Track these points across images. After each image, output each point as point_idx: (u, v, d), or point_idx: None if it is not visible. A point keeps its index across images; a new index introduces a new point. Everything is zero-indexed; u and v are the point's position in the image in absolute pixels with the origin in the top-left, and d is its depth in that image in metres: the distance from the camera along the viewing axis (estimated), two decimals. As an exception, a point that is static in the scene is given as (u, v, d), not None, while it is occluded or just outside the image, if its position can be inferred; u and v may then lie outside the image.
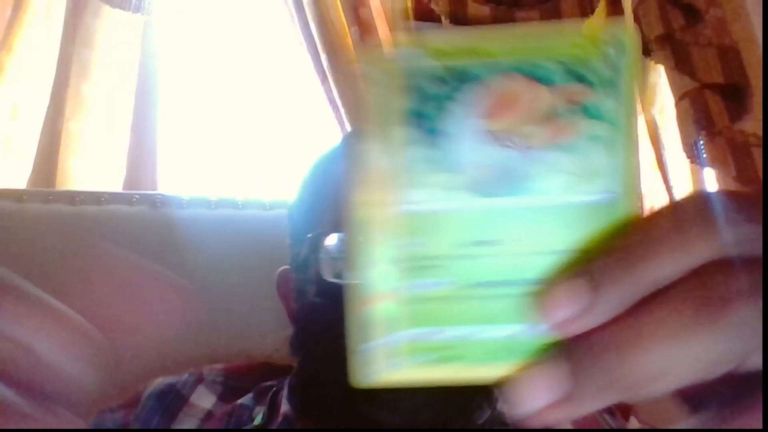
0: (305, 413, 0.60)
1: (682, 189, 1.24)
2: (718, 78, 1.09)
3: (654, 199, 1.30)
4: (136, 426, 0.63)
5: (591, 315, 0.19)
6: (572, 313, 0.19)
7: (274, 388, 0.65)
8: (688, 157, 1.12)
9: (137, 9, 1.29)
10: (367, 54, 0.21)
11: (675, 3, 1.13)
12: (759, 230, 0.19)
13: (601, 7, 1.30)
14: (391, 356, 0.20)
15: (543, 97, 0.20)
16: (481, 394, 0.57)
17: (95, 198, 0.90)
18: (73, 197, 0.90)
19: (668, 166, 1.23)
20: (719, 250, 0.19)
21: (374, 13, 1.30)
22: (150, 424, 0.63)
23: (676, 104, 1.14)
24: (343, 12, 1.29)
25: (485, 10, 1.21)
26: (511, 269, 0.20)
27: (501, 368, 0.20)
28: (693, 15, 1.13)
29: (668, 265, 0.19)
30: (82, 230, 0.85)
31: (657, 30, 1.12)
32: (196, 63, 1.54)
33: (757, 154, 1.04)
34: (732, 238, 0.19)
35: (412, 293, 0.20)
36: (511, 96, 0.20)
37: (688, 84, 1.10)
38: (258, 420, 0.61)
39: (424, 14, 1.27)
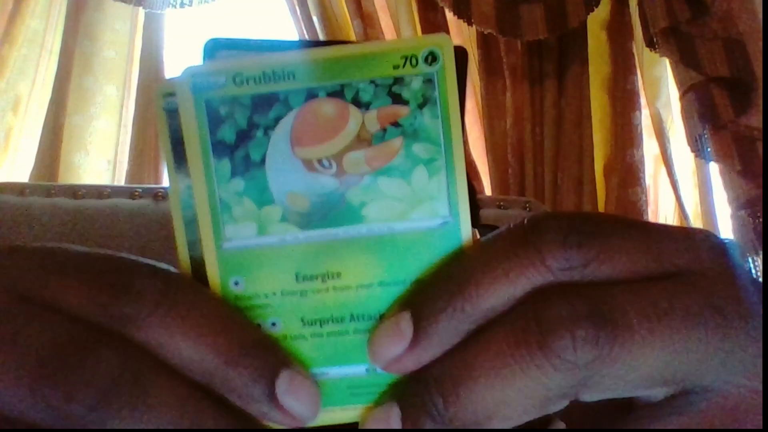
0: None
1: (687, 182, 1.24)
2: (723, 71, 1.08)
3: (659, 193, 1.30)
4: None
5: (417, 351, 0.18)
6: (396, 352, 0.18)
7: None
8: (693, 151, 1.11)
9: (139, 2, 1.29)
10: (164, 85, 0.19)
11: (681, -5, 1.12)
12: (593, 254, 0.17)
13: None
14: None
15: (358, 121, 0.19)
16: None
17: (98, 192, 0.90)
18: (75, 191, 0.90)
19: (673, 159, 1.23)
20: (545, 277, 0.17)
21: (377, 6, 1.30)
22: None
23: (681, 98, 1.13)
24: (346, 5, 1.29)
25: (489, 2, 1.20)
26: (345, 305, 0.19)
27: (341, 413, 0.19)
28: (699, 7, 1.12)
29: (492, 294, 0.17)
30: (85, 224, 0.85)
31: (662, 22, 1.11)
32: (199, 56, 1.53)
33: (762, 148, 1.04)
34: (560, 264, 0.17)
35: None
36: (324, 121, 0.19)
37: (694, 77, 1.09)
38: None
39: (426, 6, 1.26)
